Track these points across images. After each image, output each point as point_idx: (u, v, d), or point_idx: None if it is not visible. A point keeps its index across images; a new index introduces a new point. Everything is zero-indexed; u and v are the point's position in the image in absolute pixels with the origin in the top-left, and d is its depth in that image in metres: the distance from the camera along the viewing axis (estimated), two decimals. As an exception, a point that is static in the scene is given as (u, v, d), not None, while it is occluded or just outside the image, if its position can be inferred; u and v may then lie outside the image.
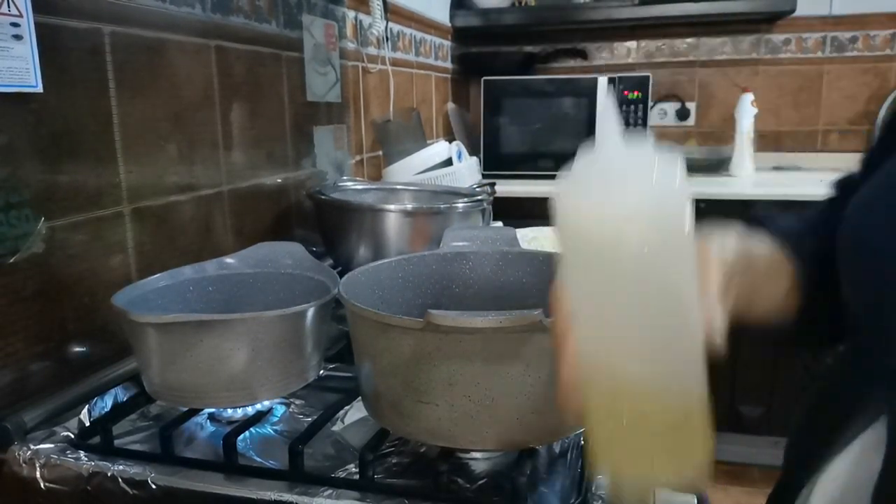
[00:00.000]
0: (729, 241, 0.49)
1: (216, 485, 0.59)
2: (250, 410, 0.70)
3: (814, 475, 0.47)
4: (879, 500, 0.41)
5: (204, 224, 0.99)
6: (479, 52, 2.50)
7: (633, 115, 2.13)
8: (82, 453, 0.63)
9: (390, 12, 1.68)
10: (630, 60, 2.48)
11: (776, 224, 0.57)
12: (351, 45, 1.50)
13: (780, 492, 0.54)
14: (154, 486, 0.59)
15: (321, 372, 0.74)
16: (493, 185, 1.36)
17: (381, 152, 1.67)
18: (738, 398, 2.02)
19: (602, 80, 2.09)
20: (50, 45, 0.70)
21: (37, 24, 0.68)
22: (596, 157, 0.37)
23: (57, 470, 0.62)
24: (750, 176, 2.17)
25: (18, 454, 0.63)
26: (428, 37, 2.09)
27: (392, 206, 1.06)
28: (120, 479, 0.60)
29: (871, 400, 0.45)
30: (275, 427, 0.70)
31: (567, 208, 0.37)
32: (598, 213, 0.35)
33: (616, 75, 2.11)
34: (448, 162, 1.59)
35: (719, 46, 2.41)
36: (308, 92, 1.29)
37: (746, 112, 2.16)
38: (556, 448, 0.64)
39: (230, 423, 0.70)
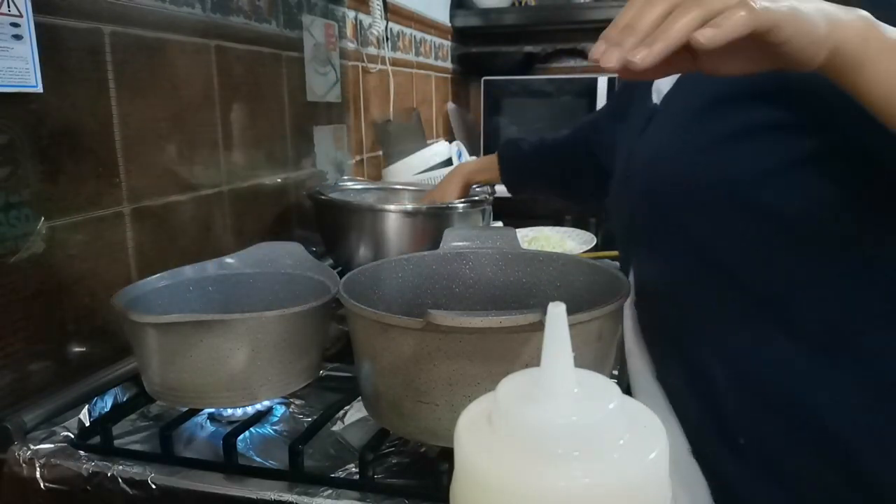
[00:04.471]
0: (474, 163, 1.15)
1: (216, 485, 0.59)
2: (250, 410, 0.70)
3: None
4: (637, 305, 0.69)
5: (204, 224, 0.99)
6: (479, 52, 2.50)
7: (633, 115, 2.13)
8: (82, 453, 0.63)
9: (390, 12, 1.68)
10: (630, 60, 2.47)
11: (506, 152, 1.09)
12: (351, 45, 1.50)
13: None
14: (154, 486, 0.59)
15: (321, 372, 0.74)
16: (493, 185, 1.36)
17: (381, 152, 1.67)
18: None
19: (602, 80, 2.09)
20: (50, 45, 0.70)
21: (37, 24, 0.68)
22: (535, 395, 0.30)
23: (57, 470, 0.62)
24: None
25: (18, 454, 0.63)
26: (428, 37, 2.09)
27: (392, 206, 1.06)
28: (120, 479, 0.60)
29: (626, 256, 0.73)
30: (275, 427, 0.70)
31: (484, 473, 0.29)
32: (537, 492, 0.28)
33: (616, 75, 2.11)
34: (448, 162, 1.59)
35: (719, 46, 2.41)
36: (308, 92, 1.29)
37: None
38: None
39: (230, 423, 0.70)
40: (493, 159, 1.10)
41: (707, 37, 0.42)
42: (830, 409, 0.58)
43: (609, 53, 0.45)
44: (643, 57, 0.43)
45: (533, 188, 1.12)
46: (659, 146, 0.66)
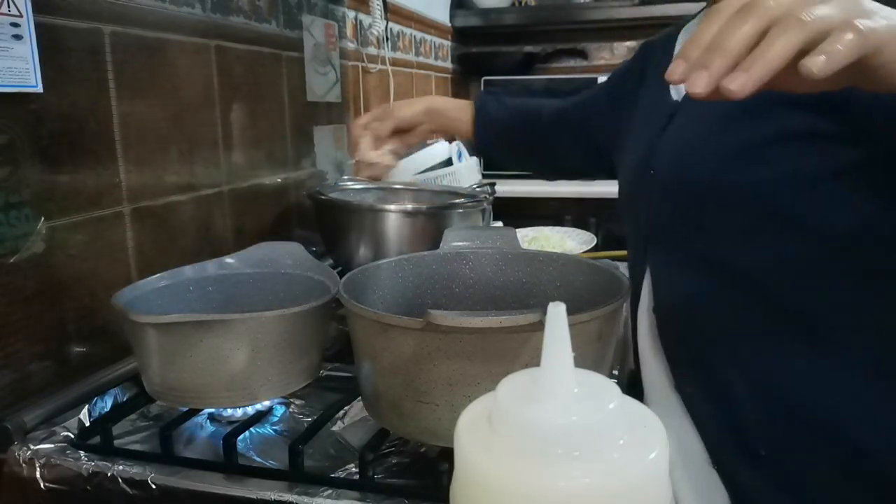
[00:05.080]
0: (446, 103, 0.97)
1: (216, 485, 0.59)
2: (250, 410, 0.70)
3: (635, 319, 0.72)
4: (655, 312, 0.67)
5: (204, 224, 0.99)
6: (479, 52, 2.50)
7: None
8: (82, 453, 0.63)
9: (390, 12, 1.68)
10: (630, 60, 2.47)
11: (485, 109, 0.94)
12: (351, 45, 1.50)
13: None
14: (154, 486, 0.59)
15: (321, 372, 0.74)
16: (493, 185, 1.35)
17: (381, 152, 1.67)
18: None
19: (602, 80, 2.09)
20: (50, 45, 0.70)
21: (37, 24, 0.68)
22: (535, 395, 0.30)
23: (57, 470, 0.62)
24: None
25: (18, 454, 0.63)
26: (428, 37, 2.09)
27: (392, 206, 1.06)
28: (120, 479, 0.60)
29: (641, 257, 0.69)
30: (275, 427, 0.70)
31: (484, 473, 0.29)
32: (537, 492, 0.28)
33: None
34: (448, 162, 1.59)
35: (719, 46, 2.40)
36: (308, 92, 1.29)
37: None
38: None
39: (230, 423, 0.70)
40: (466, 109, 0.96)
41: (819, 66, 0.37)
42: (859, 424, 0.56)
43: (696, 78, 0.39)
44: (743, 84, 0.38)
45: (511, 155, 1.01)
46: (686, 146, 0.63)
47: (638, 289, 0.70)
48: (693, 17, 0.76)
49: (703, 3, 0.73)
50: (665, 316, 0.66)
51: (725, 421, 0.61)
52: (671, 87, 0.70)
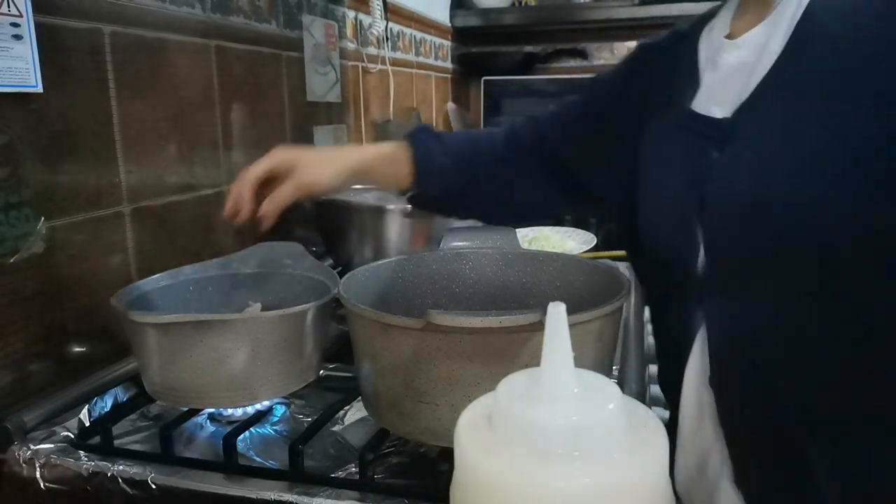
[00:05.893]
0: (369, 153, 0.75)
1: (216, 485, 0.59)
2: (250, 410, 0.70)
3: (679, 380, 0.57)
4: (713, 384, 0.53)
5: (204, 224, 0.99)
6: (479, 52, 2.49)
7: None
8: (82, 453, 0.63)
9: (390, 12, 1.68)
10: (630, 60, 2.47)
11: (426, 147, 0.76)
12: (351, 45, 1.50)
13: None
14: (154, 486, 0.59)
15: (321, 372, 0.74)
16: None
17: (381, 152, 1.67)
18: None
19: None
20: (50, 45, 0.70)
21: (37, 24, 0.68)
22: (535, 395, 0.30)
23: (57, 470, 0.62)
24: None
25: (18, 454, 0.63)
26: (428, 37, 2.09)
27: (392, 206, 1.06)
28: (120, 479, 0.60)
29: (691, 307, 0.55)
30: (275, 427, 0.70)
31: (484, 473, 0.30)
32: (537, 492, 0.28)
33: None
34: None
35: (719, 46, 2.40)
36: (308, 92, 1.29)
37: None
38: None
39: (230, 423, 0.70)
40: (402, 160, 0.75)
41: None
42: None
43: None
44: None
45: (458, 206, 0.82)
46: (770, 168, 0.50)
47: (681, 344, 0.57)
48: (704, 18, 0.65)
49: (712, 3, 0.64)
50: (727, 388, 0.53)
51: None
52: (708, 102, 0.57)
